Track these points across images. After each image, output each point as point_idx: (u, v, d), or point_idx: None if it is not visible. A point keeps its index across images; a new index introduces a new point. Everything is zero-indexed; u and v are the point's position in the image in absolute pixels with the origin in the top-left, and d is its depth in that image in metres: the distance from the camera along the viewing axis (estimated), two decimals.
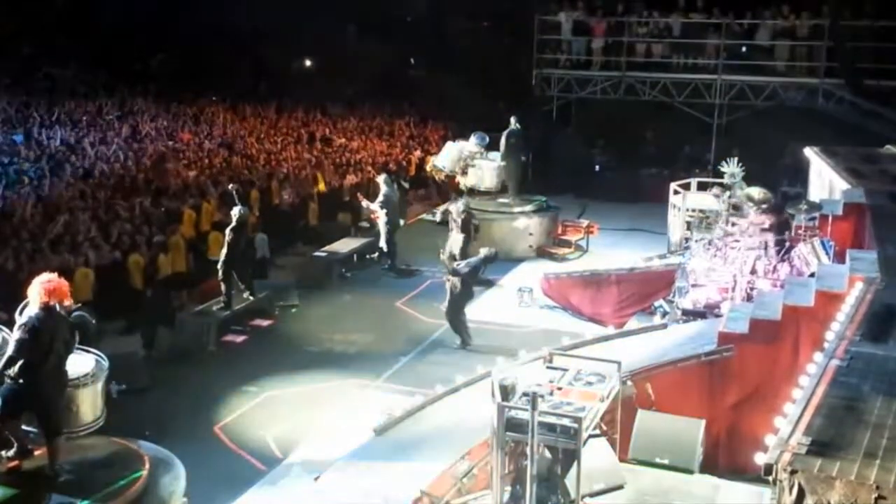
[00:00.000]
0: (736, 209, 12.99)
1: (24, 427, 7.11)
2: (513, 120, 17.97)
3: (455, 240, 14.86)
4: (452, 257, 13.68)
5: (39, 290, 6.80)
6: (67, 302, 7.01)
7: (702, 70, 22.48)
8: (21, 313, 6.90)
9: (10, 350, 6.75)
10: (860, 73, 20.91)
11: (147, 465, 7.22)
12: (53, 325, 6.79)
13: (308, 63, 29.88)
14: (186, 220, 15.19)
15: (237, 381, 11.29)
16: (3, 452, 7.06)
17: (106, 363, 7.61)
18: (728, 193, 13.34)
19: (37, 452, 7.14)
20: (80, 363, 7.37)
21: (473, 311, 13.20)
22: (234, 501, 8.63)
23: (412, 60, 29.28)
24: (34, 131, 19.85)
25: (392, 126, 25.52)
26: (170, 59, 25.87)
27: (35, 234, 13.51)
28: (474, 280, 12.84)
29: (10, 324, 7.31)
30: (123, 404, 9.12)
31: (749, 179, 14.22)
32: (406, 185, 20.29)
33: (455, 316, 12.67)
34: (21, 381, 6.72)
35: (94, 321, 7.32)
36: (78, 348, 7.26)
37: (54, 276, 7.05)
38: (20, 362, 6.70)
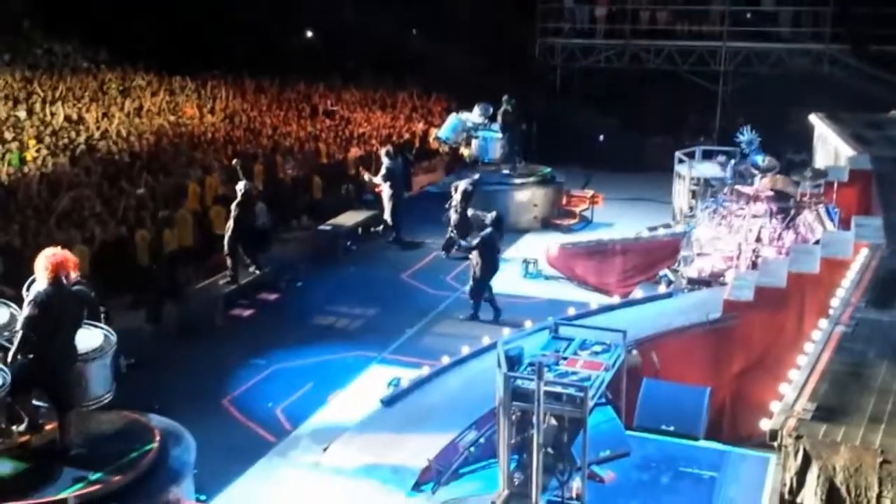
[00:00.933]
0: (741, 177, 12.97)
1: (34, 402, 7.15)
2: (504, 99, 17.79)
3: (454, 217, 14.85)
4: (462, 233, 13.62)
5: (45, 263, 6.77)
6: (74, 275, 6.99)
7: (706, 37, 22.28)
8: (28, 289, 6.92)
9: (21, 328, 6.76)
10: (865, 39, 20.73)
11: (157, 438, 7.30)
12: (61, 299, 6.79)
13: (309, 34, 29.63)
14: (191, 195, 15.18)
15: (245, 355, 11.33)
16: (15, 427, 7.10)
17: (114, 337, 7.62)
18: (733, 161, 13.31)
19: (48, 427, 7.20)
20: (89, 338, 7.40)
21: None
22: (244, 473, 8.71)
23: (413, 31, 29.02)
24: (37, 107, 19.76)
25: (394, 99, 25.36)
26: (170, 35, 25.67)
27: (40, 210, 13.51)
28: (495, 249, 12.70)
29: (17, 300, 7.34)
30: (132, 378, 9.17)
31: None
32: (411, 157, 20.21)
33: (477, 287, 12.55)
34: (31, 355, 6.75)
35: (92, 293, 7.30)
36: (86, 323, 7.29)
37: (58, 249, 7.02)
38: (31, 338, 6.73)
